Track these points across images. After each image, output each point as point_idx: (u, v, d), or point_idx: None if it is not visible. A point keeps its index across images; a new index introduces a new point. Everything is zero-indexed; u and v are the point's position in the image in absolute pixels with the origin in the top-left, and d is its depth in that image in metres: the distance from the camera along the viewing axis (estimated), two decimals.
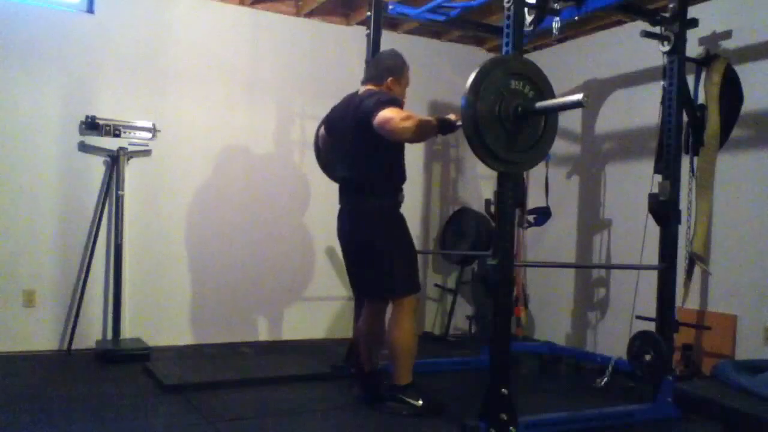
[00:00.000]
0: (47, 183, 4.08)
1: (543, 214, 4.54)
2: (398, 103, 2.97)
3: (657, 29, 3.34)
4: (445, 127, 2.91)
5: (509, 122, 2.53)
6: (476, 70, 2.51)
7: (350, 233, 3.15)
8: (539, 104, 2.53)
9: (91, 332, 4.18)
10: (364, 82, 3.20)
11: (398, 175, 3.14)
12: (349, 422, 2.88)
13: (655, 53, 3.46)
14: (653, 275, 3.36)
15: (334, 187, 3.28)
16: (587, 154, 4.82)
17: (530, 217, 4.57)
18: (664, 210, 3.25)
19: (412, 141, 2.99)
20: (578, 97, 2.35)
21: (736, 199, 3.80)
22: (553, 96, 2.61)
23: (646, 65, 4.27)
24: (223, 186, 4.57)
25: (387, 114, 2.82)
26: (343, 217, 3.21)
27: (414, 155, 5.19)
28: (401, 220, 3.13)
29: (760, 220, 3.69)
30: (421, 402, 3.02)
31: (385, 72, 3.12)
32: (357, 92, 3.17)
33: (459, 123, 2.76)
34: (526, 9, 2.78)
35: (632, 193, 4.18)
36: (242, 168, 4.64)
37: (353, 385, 3.37)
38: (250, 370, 3.82)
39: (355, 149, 3.07)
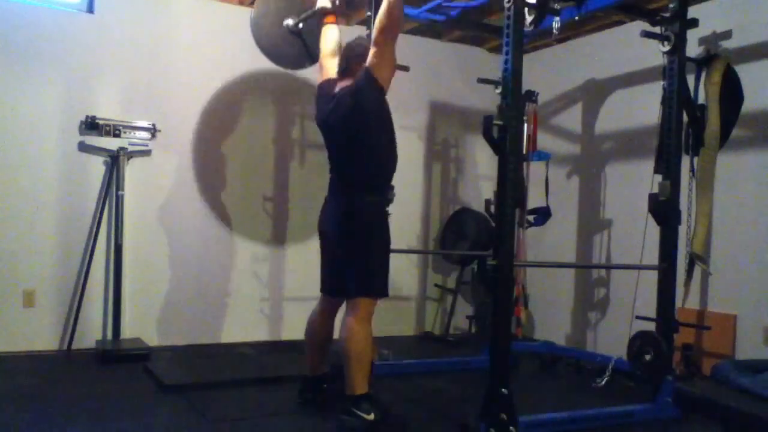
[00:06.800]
0: (47, 183, 4.08)
1: (543, 214, 4.54)
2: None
3: (657, 29, 3.34)
4: None
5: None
6: None
7: (336, 224, 3.00)
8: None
9: (91, 332, 4.18)
10: (340, 76, 3.06)
11: (391, 167, 3.04)
12: (350, 422, 2.86)
13: (655, 53, 3.46)
14: (653, 275, 3.36)
15: None
16: (587, 154, 4.82)
17: (530, 217, 4.57)
18: (664, 210, 3.25)
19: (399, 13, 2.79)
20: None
21: (736, 199, 3.80)
22: None
23: (646, 65, 4.26)
24: (223, 186, 4.57)
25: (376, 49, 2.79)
26: (330, 208, 3.06)
27: (414, 155, 5.22)
28: (386, 222, 3.02)
29: (760, 220, 3.69)
30: (372, 416, 2.79)
31: (359, 60, 2.98)
32: (333, 89, 3.04)
33: None
34: (526, 9, 2.77)
35: (632, 193, 4.18)
36: (242, 168, 4.63)
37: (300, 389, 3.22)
38: (250, 370, 3.82)
39: (349, 142, 2.95)
